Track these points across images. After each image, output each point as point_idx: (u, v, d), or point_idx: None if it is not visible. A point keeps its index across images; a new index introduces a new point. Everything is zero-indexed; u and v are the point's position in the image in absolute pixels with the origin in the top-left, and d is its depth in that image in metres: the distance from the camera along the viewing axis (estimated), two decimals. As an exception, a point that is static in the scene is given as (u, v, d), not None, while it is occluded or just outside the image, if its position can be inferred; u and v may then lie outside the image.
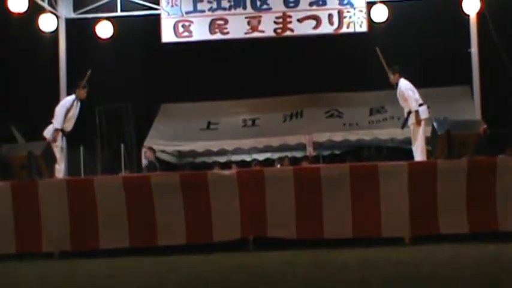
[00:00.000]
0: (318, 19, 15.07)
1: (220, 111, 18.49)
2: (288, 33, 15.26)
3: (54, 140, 11.16)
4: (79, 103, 11.69)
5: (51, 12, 15.12)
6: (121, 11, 15.67)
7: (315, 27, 15.11)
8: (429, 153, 10.86)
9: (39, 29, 14.88)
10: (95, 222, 8.77)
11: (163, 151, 18.25)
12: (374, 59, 11.75)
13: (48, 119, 11.61)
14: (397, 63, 11.76)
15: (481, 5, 14.51)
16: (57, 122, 11.42)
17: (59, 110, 11.58)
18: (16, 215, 8.85)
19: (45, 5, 15.00)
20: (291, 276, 6.35)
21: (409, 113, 11.30)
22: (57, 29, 15.36)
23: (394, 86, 11.53)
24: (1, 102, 17.66)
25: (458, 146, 9.11)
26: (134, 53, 18.90)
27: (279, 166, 15.70)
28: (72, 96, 11.66)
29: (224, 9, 15.25)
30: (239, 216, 8.68)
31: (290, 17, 15.15)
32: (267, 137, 17.52)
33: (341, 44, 16.94)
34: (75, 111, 11.63)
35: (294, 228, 8.67)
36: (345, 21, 14.98)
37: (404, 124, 11.47)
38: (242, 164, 18.35)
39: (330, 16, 15.03)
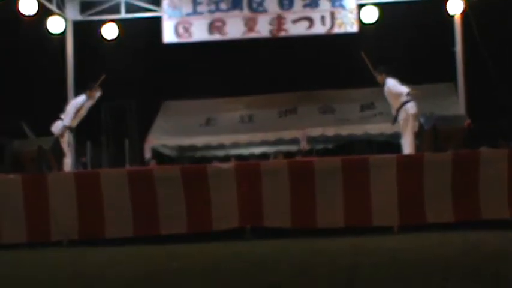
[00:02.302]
0: (311, 20, 15.07)
1: (218, 108, 18.41)
2: (282, 33, 15.27)
3: (62, 135, 11.15)
4: (89, 104, 11.68)
5: (59, 15, 15.12)
6: (125, 13, 15.66)
7: (308, 28, 15.12)
8: (417, 147, 10.83)
9: (48, 31, 14.87)
10: (101, 212, 8.77)
11: (165, 145, 18.23)
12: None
13: (56, 116, 11.57)
14: (385, 61, 11.72)
15: (465, 6, 14.52)
16: (66, 119, 11.41)
17: (70, 108, 11.59)
18: (26, 206, 8.84)
19: (54, 8, 15.01)
20: (286, 264, 6.34)
21: (399, 109, 11.28)
22: (64, 30, 15.38)
23: (382, 86, 11.51)
24: (12, 100, 17.60)
25: (444, 140, 9.11)
26: (137, 53, 18.83)
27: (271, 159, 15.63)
28: (84, 97, 11.64)
29: (222, 11, 15.24)
30: (237, 207, 8.68)
31: (284, 18, 15.15)
32: (263, 132, 17.44)
33: (333, 43, 16.89)
34: (84, 112, 11.63)
35: (289, 218, 8.66)
36: (337, 22, 14.98)
37: (395, 120, 11.45)
38: (239, 157, 18.29)
39: (323, 17, 15.03)
